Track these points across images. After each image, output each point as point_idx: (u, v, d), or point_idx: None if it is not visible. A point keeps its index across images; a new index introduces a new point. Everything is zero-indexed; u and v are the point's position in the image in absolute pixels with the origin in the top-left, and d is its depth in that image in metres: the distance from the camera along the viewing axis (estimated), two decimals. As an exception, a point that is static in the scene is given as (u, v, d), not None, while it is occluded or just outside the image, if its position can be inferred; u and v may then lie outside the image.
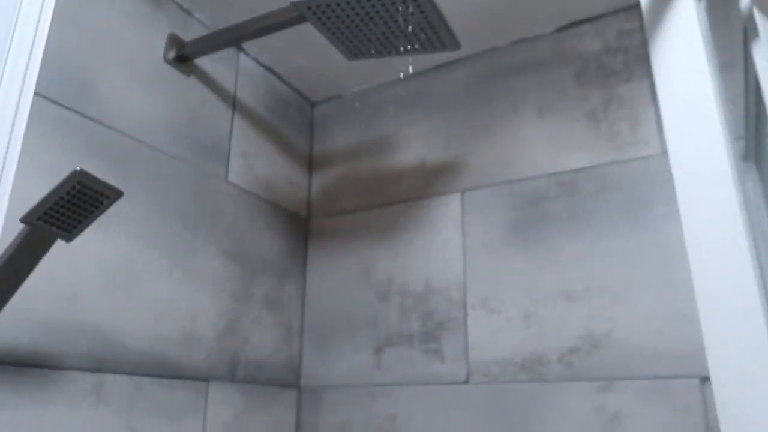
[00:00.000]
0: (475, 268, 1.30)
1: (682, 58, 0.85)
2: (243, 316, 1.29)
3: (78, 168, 0.70)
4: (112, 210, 1.04)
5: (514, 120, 1.36)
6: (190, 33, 1.28)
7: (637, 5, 1.28)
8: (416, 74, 1.53)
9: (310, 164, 1.63)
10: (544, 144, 1.31)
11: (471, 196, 1.35)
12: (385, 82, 1.57)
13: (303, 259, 1.53)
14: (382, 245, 1.43)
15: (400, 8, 0.95)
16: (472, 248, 1.32)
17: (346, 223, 1.51)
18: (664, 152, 1.17)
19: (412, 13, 0.97)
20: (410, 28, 1.00)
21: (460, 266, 1.32)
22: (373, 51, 1.11)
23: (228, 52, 1.39)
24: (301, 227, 1.55)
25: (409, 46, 1.08)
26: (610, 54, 1.29)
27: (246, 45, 1.43)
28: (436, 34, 1.04)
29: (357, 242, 1.47)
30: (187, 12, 1.29)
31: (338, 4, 0.96)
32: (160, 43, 1.21)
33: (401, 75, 1.54)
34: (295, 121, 1.60)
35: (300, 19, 1.07)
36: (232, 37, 1.20)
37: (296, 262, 1.50)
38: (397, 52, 1.13)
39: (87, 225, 0.75)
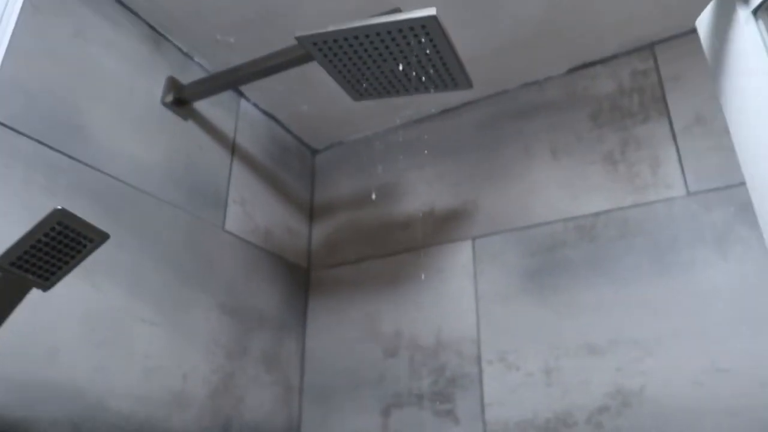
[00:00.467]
0: (489, 319, 1.21)
1: (752, 84, 0.79)
2: (238, 374, 1.19)
3: (59, 207, 0.63)
4: (99, 256, 0.95)
5: (526, 163, 1.30)
6: (190, 77, 1.23)
7: (651, 45, 1.25)
8: (421, 119, 1.48)
9: (311, 213, 1.57)
10: (560, 187, 1.24)
11: (483, 242, 1.28)
12: (389, 128, 1.52)
13: (303, 313, 1.44)
14: (388, 297, 1.35)
15: (413, 47, 0.91)
16: (486, 298, 1.23)
17: (349, 274, 1.43)
18: (689, 193, 1.10)
19: (427, 52, 0.93)
20: (423, 68, 0.96)
21: (473, 317, 1.23)
22: (381, 91, 1.06)
23: (228, 97, 1.35)
24: (301, 279, 1.47)
25: (420, 86, 1.04)
26: (625, 95, 1.24)
27: (247, 90, 1.39)
28: (449, 74, 0.99)
29: (361, 294, 1.39)
30: (187, 55, 1.25)
31: (346, 40, 0.91)
32: (158, 85, 1.17)
33: (397, 121, 1.50)
34: (295, 168, 1.54)
35: (305, 59, 1.02)
36: (232, 80, 1.17)
37: (295, 316, 1.41)
38: (406, 92, 1.08)
39: (67, 272, 0.67)
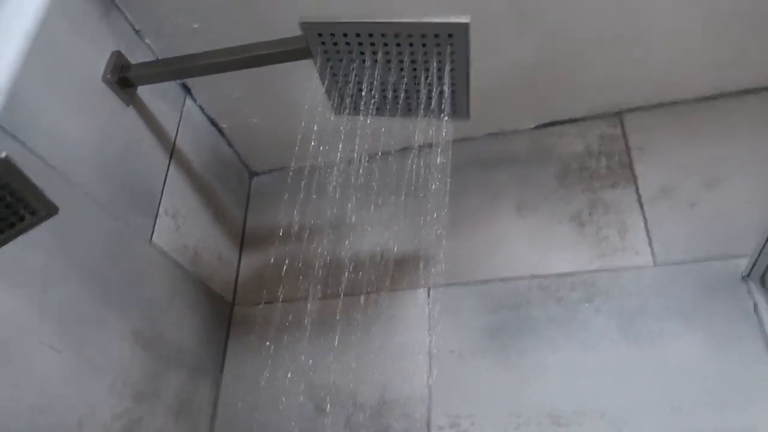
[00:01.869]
0: (443, 379, 1.09)
1: None
2: (146, 422, 0.96)
3: (3, 154, 0.44)
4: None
5: (491, 215, 1.24)
6: (138, 58, 1.05)
7: (620, 113, 1.27)
8: (380, 154, 1.38)
9: (242, 240, 1.38)
10: (525, 243, 1.19)
11: (440, 293, 1.18)
12: (343, 159, 1.40)
13: (221, 354, 1.23)
14: (325, 344, 1.18)
15: (430, 59, 0.82)
16: (440, 354, 1.12)
17: (280, 314, 1.25)
18: (656, 263, 1.09)
19: (441, 78, 0.84)
20: (429, 86, 0.87)
21: (424, 375, 1.11)
22: (367, 108, 0.96)
23: (174, 92, 1.17)
24: (224, 314, 1.27)
25: (414, 109, 0.94)
26: (593, 157, 1.24)
27: (195, 89, 1.22)
28: (452, 98, 0.91)
29: (293, 338, 1.21)
30: (138, 34, 1.07)
31: (358, 36, 0.80)
32: (101, 59, 0.97)
33: (355, 153, 1.39)
34: (232, 188, 1.37)
35: (294, 54, 0.89)
36: (188, 68, 1.00)
37: (213, 357, 1.20)
38: (394, 113, 0.98)
39: (-6, 246, 0.47)
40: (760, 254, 0.94)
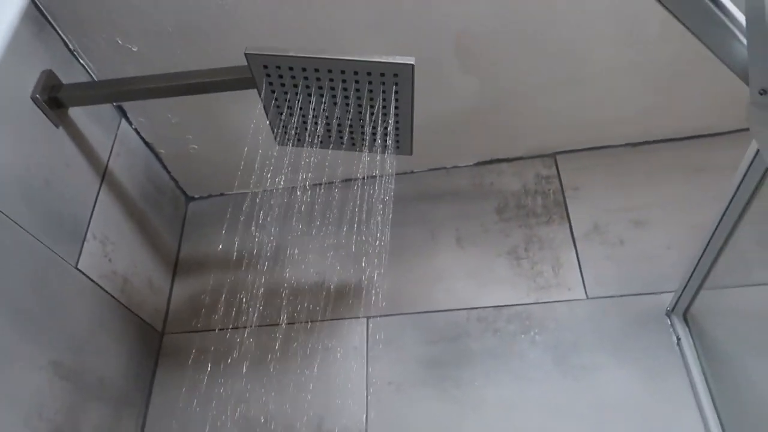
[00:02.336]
0: (381, 411, 1.08)
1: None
2: (63, 462, 0.90)
3: None
4: None
5: (431, 247, 1.26)
6: (71, 78, 1.01)
7: (554, 154, 1.32)
8: (321, 184, 1.38)
9: (175, 268, 1.34)
10: (464, 276, 1.21)
11: (379, 324, 1.18)
12: (284, 188, 1.39)
13: (148, 386, 1.17)
14: (261, 374, 1.15)
15: (375, 97, 0.83)
16: (378, 386, 1.11)
17: (214, 344, 1.21)
18: (588, 298, 1.13)
19: (386, 114, 0.85)
20: (373, 122, 0.88)
21: (361, 406, 1.09)
22: (312, 141, 0.96)
23: (109, 115, 1.13)
24: (153, 344, 1.21)
25: (357, 143, 0.95)
26: (530, 195, 1.28)
27: (132, 112, 1.18)
28: (395, 135, 0.93)
29: (226, 368, 1.17)
30: (73, 53, 1.03)
31: (304, 70, 0.80)
32: (31, 77, 0.93)
33: (298, 185, 1.38)
34: (166, 214, 1.32)
35: (236, 84, 0.88)
36: (125, 91, 0.98)
37: (139, 389, 1.14)
38: (338, 147, 0.99)
39: None
40: (683, 291, 0.99)
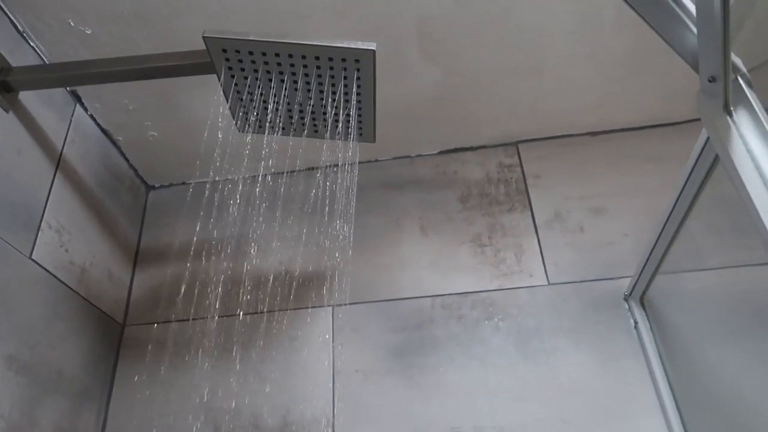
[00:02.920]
0: (347, 399, 1.08)
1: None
2: (18, 458, 0.87)
3: None
4: None
5: (395, 235, 1.26)
6: (21, 61, 0.97)
7: (516, 143, 1.33)
8: (283, 172, 1.37)
9: (135, 258, 1.31)
10: (428, 263, 1.21)
11: (344, 312, 1.18)
12: (245, 177, 1.37)
13: (109, 378, 1.15)
14: (225, 365, 1.14)
15: (337, 82, 0.82)
16: (345, 374, 1.11)
17: (176, 335, 1.19)
18: (549, 284, 1.15)
19: (347, 101, 0.85)
20: (335, 108, 0.87)
21: (328, 395, 1.09)
22: (273, 127, 0.95)
23: (62, 100, 1.09)
24: (113, 335, 1.19)
25: (320, 130, 0.94)
26: (492, 183, 1.30)
27: (87, 98, 1.14)
28: (358, 122, 0.92)
29: (189, 359, 1.16)
30: (22, 35, 0.99)
31: (264, 55, 0.79)
32: (-22, 59, 0.89)
33: (259, 170, 1.36)
34: (125, 203, 1.29)
35: (193, 68, 0.87)
36: (76, 75, 0.94)
37: (100, 381, 1.12)
38: (299, 134, 0.98)
39: None
40: (639, 276, 1.02)
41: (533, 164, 1.31)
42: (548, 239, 1.21)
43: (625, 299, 1.10)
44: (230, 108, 0.91)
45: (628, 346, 1.06)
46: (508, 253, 1.20)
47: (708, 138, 0.69)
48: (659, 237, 0.91)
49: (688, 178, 0.78)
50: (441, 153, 1.36)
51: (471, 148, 1.35)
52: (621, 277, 1.12)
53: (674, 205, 0.84)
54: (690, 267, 0.98)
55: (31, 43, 1.01)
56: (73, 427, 1.01)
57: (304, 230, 1.27)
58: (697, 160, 0.74)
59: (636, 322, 1.07)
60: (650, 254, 0.95)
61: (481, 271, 1.19)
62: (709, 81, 0.56)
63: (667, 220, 0.87)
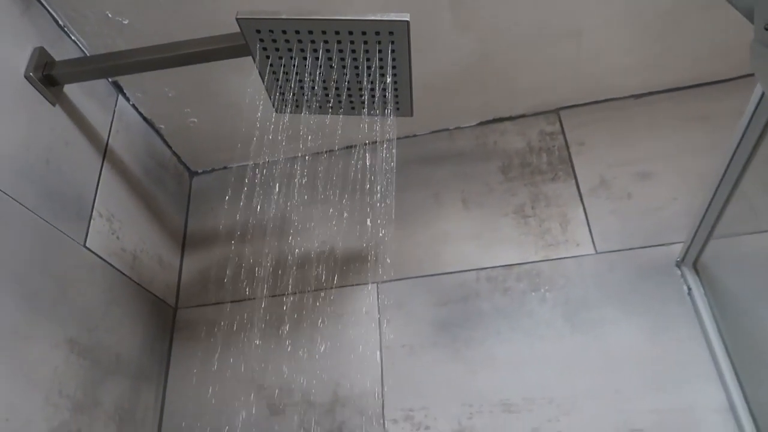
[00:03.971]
0: (395, 373, 1.10)
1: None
2: (85, 435, 0.92)
3: None
4: None
5: (436, 210, 1.25)
6: (63, 55, 1.00)
7: (557, 110, 1.30)
8: (322, 152, 1.37)
9: (184, 242, 1.34)
10: (471, 237, 1.20)
11: (389, 288, 1.18)
12: (286, 158, 1.38)
13: (165, 360, 1.19)
14: (274, 344, 1.17)
15: (371, 57, 0.81)
16: (392, 349, 1.12)
17: (226, 316, 1.22)
18: (597, 252, 1.13)
19: (383, 75, 0.84)
20: (371, 83, 0.86)
21: (376, 371, 1.10)
22: (310, 106, 0.95)
23: (105, 91, 1.12)
24: (167, 319, 1.22)
25: (357, 106, 0.94)
26: (534, 153, 1.27)
27: (128, 88, 1.17)
28: (394, 96, 0.91)
29: (240, 339, 1.19)
30: (63, 29, 1.01)
31: (298, 33, 0.79)
32: (23, 55, 0.92)
33: (298, 152, 1.37)
34: (171, 189, 1.32)
35: (229, 52, 0.87)
36: (118, 65, 0.95)
37: (156, 363, 1.16)
38: (337, 112, 0.97)
39: None
40: (692, 241, 0.98)
41: (576, 131, 1.27)
42: (594, 207, 1.18)
43: (677, 266, 1.07)
44: (267, 89, 0.91)
45: (680, 314, 1.03)
46: (552, 223, 1.18)
47: (763, 93, 0.66)
48: (712, 200, 0.87)
49: (742, 137, 0.74)
50: (480, 124, 1.33)
51: (510, 118, 1.32)
52: (671, 243, 1.09)
53: (728, 166, 0.80)
54: (746, 230, 0.94)
55: (72, 37, 1.03)
56: (133, 406, 1.05)
57: (345, 209, 1.28)
58: (752, 116, 0.70)
59: (689, 289, 1.04)
60: (703, 218, 0.92)
61: (525, 243, 1.17)
62: (766, 29, 0.52)
63: (720, 182, 0.83)
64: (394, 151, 1.18)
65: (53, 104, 0.96)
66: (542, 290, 1.11)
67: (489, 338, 1.09)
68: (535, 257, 1.15)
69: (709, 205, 0.88)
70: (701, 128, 1.19)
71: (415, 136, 1.36)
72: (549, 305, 1.09)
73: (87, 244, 0.99)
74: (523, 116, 1.32)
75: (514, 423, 1.01)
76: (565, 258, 1.14)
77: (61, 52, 0.99)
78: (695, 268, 1.04)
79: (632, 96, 1.27)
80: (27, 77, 0.91)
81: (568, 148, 1.26)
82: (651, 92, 1.27)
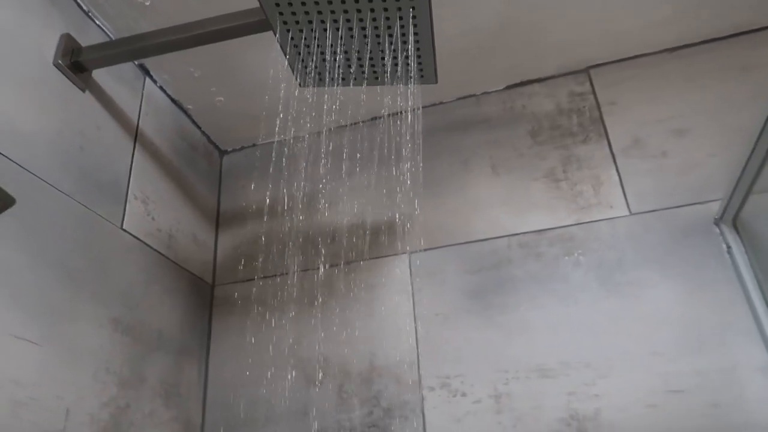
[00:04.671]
0: (430, 341, 1.10)
1: None
2: (133, 408, 0.95)
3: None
4: (-37, 249, 0.71)
5: (465, 177, 1.24)
6: (89, 40, 1.01)
7: (587, 69, 1.26)
8: (347, 125, 1.37)
9: (217, 220, 1.37)
10: (501, 203, 1.19)
11: (420, 257, 1.18)
12: (311, 132, 1.38)
13: (206, 335, 1.23)
14: (310, 316, 1.19)
15: (392, 25, 0.80)
16: (425, 317, 1.13)
17: (262, 291, 1.24)
18: (631, 214, 1.10)
19: (405, 42, 0.82)
20: (394, 52, 0.85)
21: (411, 339, 1.12)
22: (333, 78, 0.94)
23: (132, 74, 1.13)
24: (205, 295, 1.25)
25: (380, 76, 0.93)
26: (564, 114, 1.24)
27: (155, 70, 1.18)
28: (418, 64, 0.90)
29: (277, 313, 1.21)
30: (87, 14, 1.03)
31: (317, 4, 0.78)
32: (50, 43, 0.93)
33: (323, 125, 1.37)
34: (202, 169, 1.34)
35: (250, 28, 0.87)
36: (142, 47, 0.96)
37: (198, 339, 1.20)
38: (360, 83, 0.97)
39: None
40: (731, 197, 0.95)
41: (607, 90, 1.23)
42: (627, 167, 1.15)
43: (716, 223, 1.04)
44: (289, 63, 0.91)
45: (720, 272, 1.01)
46: (584, 186, 1.16)
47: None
48: (752, 154, 0.84)
49: (783, 85, 0.71)
50: (507, 88, 1.31)
51: (538, 80, 1.29)
52: (709, 201, 1.06)
53: (768, 117, 0.77)
54: (788, 183, 0.91)
55: (97, 21, 1.04)
56: (177, 381, 1.09)
57: (373, 180, 1.28)
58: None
59: (729, 247, 1.01)
60: (742, 173, 0.89)
61: (557, 207, 1.16)
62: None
63: (760, 134, 0.80)
64: (419, 118, 1.17)
65: (83, 90, 0.98)
66: (576, 254, 1.10)
67: (523, 304, 1.08)
68: (568, 221, 1.13)
69: (749, 158, 0.85)
70: (741, 79, 1.14)
71: (441, 103, 1.34)
72: (583, 269, 1.08)
73: (124, 226, 1.02)
74: (551, 77, 1.28)
75: (550, 387, 1.01)
76: (598, 221, 1.12)
77: (87, 37, 1.00)
78: (734, 225, 1.01)
79: (666, 50, 1.23)
80: (56, 65, 0.93)
81: (599, 108, 1.22)
82: (686, 45, 1.22)
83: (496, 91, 1.31)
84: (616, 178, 1.14)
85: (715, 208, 1.03)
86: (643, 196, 1.11)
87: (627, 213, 1.11)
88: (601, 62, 1.26)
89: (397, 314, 1.14)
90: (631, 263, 1.06)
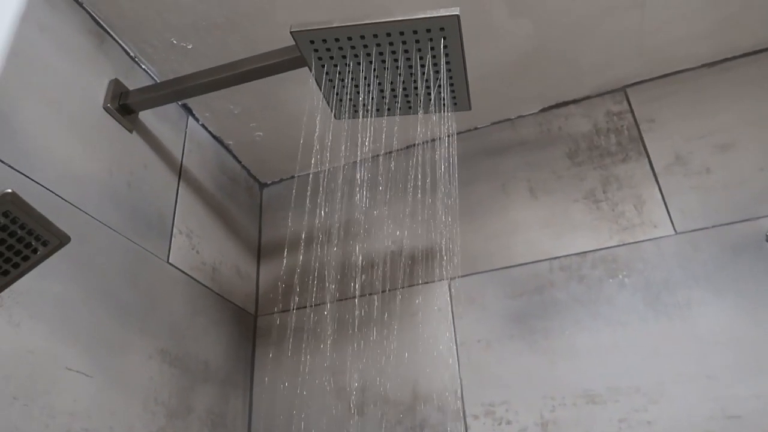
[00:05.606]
0: (472, 368, 1.09)
1: None
2: (181, 440, 0.97)
3: (9, 190, 0.45)
4: (19, 282, 0.74)
5: (503, 201, 1.24)
6: (135, 83, 1.06)
7: (623, 88, 1.25)
8: (383, 154, 1.38)
9: (259, 252, 1.39)
10: (541, 226, 1.18)
11: (460, 284, 1.18)
12: (348, 163, 1.40)
13: (249, 366, 1.24)
14: (351, 345, 1.19)
15: (424, 55, 0.82)
16: (467, 344, 1.11)
17: (304, 321, 1.26)
18: (677, 232, 1.07)
19: (437, 72, 0.84)
20: (427, 81, 0.86)
21: (453, 367, 1.10)
22: (367, 110, 0.96)
23: (176, 114, 1.18)
24: (248, 326, 1.27)
25: (414, 105, 0.94)
26: (602, 134, 1.23)
27: (196, 109, 1.23)
28: (451, 91, 0.91)
29: (318, 343, 1.22)
30: (134, 59, 1.08)
31: (350, 39, 0.80)
32: (100, 88, 0.99)
33: (358, 155, 1.38)
34: (243, 202, 1.38)
35: (287, 65, 0.90)
36: (185, 88, 1.00)
37: (242, 369, 1.21)
38: (394, 113, 0.98)
39: (9, 283, 0.48)
40: (781, 213, 0.92)
41: (645, 107, 1.22)
42: (670, 185, 1.12)
43: (768, 240, 1.00)
44: (325, 97, 0.93)
45: (776, 291, 0.97)
46: (626, 206, 1.14)
47: None
48: (801, 166, 0.81)
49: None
50: (543, 111, 1.31)
51: (574, 101, 1.28)
52: (760, 217, 1.02)
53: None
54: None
55: (143, 66, 1.10)
56: (223, 411, 1.10)
57: (409, 208, 1.28)
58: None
59: (783, 264, 0.97)
60: (792, 187, 0.86)
61: (598, 228, 1.14)
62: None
63: (808, 147, 0.77)
64: (454, 144, 1.17)
65: (130, 131, 1.02)
66: (620, 276, 1.07)
67: (568, 328, 1.06)
68: (610, 242, 1.11)
69: (798, 173, 0.82)
70: (785, 91, 1.11)
71: (476, 129, 1.35)
72: (629, 291, 1.05)
73: (170, 260, 1.05)
74: (587, 98, 1.28)
75: (599, 414, 0.98)
76: (642, 241, 1.09)
77: (134, 81, 1.06)
78: (788, 241, 0.97)
79: (705, 65, 1.21)
80: (105, 108, 0.98)
81: (637, 126, 1.21)
82: (726, 59, 1.19)
83: (531, 114, 1.31)
84: (659, 196, 1.12)
85: (766, 223, 1.00)
86: (688, 214, 1.08)
87: (672, 232, 1.08)
88: (638, 80, 1.24)
89: (439, 341, 1.14)
90: (679, 283, 1.03)
